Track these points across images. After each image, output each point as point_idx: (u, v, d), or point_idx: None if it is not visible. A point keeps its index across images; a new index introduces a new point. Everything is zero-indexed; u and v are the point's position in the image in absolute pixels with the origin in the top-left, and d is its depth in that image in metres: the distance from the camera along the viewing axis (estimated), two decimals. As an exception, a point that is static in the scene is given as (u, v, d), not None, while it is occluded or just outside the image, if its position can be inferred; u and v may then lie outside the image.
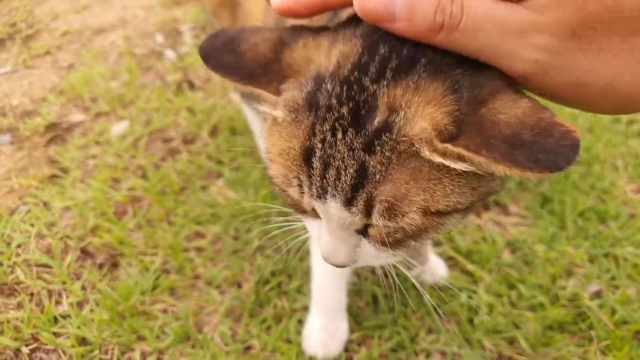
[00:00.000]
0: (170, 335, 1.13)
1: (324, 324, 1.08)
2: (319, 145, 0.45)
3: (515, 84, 0.43)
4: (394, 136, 0.42)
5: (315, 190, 0.47)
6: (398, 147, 0.42)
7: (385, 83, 0.43)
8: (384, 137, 0.42)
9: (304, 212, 0.55)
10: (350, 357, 1.09)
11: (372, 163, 0.43)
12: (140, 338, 1.15)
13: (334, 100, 0.44)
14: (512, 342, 1.10)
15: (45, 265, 1.33)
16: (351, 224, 0.49)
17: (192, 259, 1.32)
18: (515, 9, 0.38)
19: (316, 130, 0.45)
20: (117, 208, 1.49)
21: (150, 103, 1.93)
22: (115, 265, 1.33)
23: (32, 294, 1.27)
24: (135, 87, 2.04)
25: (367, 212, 0.46)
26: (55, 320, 1.20)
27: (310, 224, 0.57)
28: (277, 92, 0.47)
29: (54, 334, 1.16)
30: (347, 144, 0.43)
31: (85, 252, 1.37)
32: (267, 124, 0.52)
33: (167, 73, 2.16)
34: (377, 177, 0.43)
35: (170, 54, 2.31)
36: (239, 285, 1.25)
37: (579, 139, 0.37)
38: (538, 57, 0.38)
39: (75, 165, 1.66)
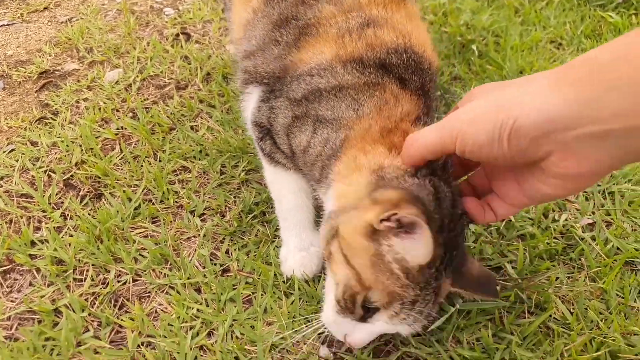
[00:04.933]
0: (148, 258, 1.10)
1: (297, 242, 1.05)
2: (421, 301, 0.75)
3: None
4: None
5: (405, 320, 0.77)
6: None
7: (446, 274, 0.77)
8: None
9: (352, 313, 0.79)
10: (330, 280, 1.05)
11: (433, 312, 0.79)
12: (117, 260, 1.12)
13: (433, 280, 0.74)
14: (499, 269, 1.06)
15: (27, 196, 1.31)
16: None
17: (177, 190, 1.29)
18: None
19: (422, 292, 0.74)
20: (104, 145, 1.47)
21: (146, 53, 1.91)
22: (98, 196, 1.31)
23: (10, 221, 1.24)
24: (132, 40, 2.02)
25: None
26: (33, 244, 1.18)
27: (338, 319, 0.82)
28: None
29: (30, 256, 1.14)
30: (431, 303, 0.77)
31: (68, 185, 1.35)
32: (366, 259, 0.76)
33: (165, 27, 2.13)
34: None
35: (169, 10, 2.28)
36: (223, 215, 1.22)
37: (497, 292, 0.81)
38: None
39: (65, 107, 1.63)
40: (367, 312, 0.78)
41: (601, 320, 0.95)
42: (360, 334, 0.81)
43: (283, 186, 1.06)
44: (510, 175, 0.68)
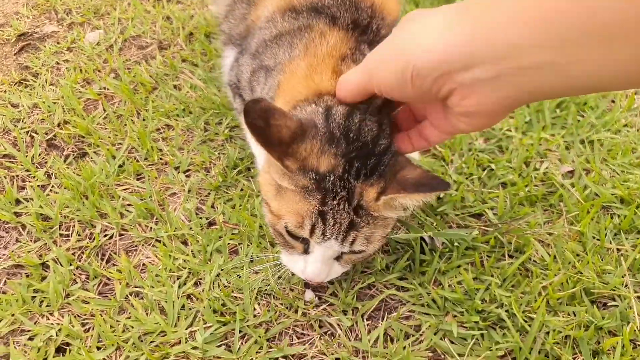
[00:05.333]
0: (133, 213, 1.11)
1: None
2: (330, 211, 0.76)
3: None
4: (364, 209, 0.76)
5: (325, 234, 0.77)
6: (367, 213, 0.77)
7: (359, 181, 0.75)
8: (360, 209, 0.76)
9: (292, 248, 0.85)
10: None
11: (357, 220, 0.77)
12: (103, 215, 1.12)
13: (338, 188, 0.74)
14: (480, 215, 1.08)
15: (9, 156, 1.30)
16: (335, 253, 0.83)
17: (161, 148, 1.29)
18: None
19: (327, 202, 0.75)
20: (86, 105, 1.46)
21: (127, 14, 1.87)
22: (82, 155, 1.30)
23: (-6, 181, 1.24)
24: (112, 1, 1.98)
25: (352, 244, 0.79)
26: (18, 202, 1.18)
27: (292, 258, 0.88)
28: (283, 165, 0.73)
29: (15, 214, 1.14)
30: (345, 210, 0.76)
31: (51, 145, 1.34)
32: (272, 191, 0.82)
33: (145, -12, 2.09)
34: (361, 226, 0.77)
35: (149, -29, 2.23)
36: (207, 170, 1.23)
37: (449, 182, 0.74)
38: None
39: (45, 69, 1.61)
40: (304, 244, 0.83)
41: (578, 261, 0.98)
42: (310, 266, 0.84)
43: None
44: (438, 105, 0.68)
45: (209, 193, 1.16)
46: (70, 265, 1.02)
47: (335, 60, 0.84)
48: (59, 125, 1.38)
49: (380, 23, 0.91)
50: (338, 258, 0.86)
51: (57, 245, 1.06)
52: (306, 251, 0.84)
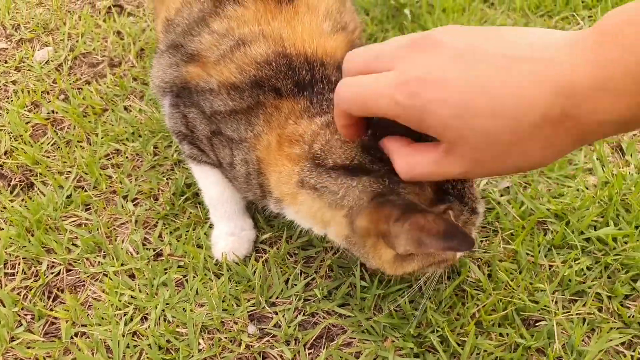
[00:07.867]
0: (80, 247, 1.12)
1: (227, 229, 1.08)
2: (469, 195, 0.77)
3: None
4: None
5: (479, 215, 0.80)
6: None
7: None
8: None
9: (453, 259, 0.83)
10: (261, 257, 1.09)
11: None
12: (49, 251, 1.13)
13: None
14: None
15: (-43, 189, 1.29)
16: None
17: (110, 175, 1.29)
18: None
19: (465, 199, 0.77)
20: (34, 131, 1.45)
21: (77, 29, 1.85)
22: (30, 186, 1.30)
23: (-60, 217, 1.23)
24: (62, 14, 1.95)
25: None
26: (-36, 240, 1.17)
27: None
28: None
29: (-38, 251, 1.14)
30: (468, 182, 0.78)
31: (-1, 175, 1.33)
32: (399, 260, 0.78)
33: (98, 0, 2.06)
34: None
35: (100, -19, 2.19)
36: (155, 198, 1.23)
37: None
38: None
39: (-7, 92, 1.59)
40: None
41: (511, 280, 1.01)
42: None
43: (210, 180, 1.06)
44: None
45: (157, 222, 1.17)
46: (15, 306, 1.03)
47: (294, 126, 0.83)
48: (5, 153, 1.37)
49: (323, 71, 0.87)
50: None
51: (1, 286, 1.07)
52: None
